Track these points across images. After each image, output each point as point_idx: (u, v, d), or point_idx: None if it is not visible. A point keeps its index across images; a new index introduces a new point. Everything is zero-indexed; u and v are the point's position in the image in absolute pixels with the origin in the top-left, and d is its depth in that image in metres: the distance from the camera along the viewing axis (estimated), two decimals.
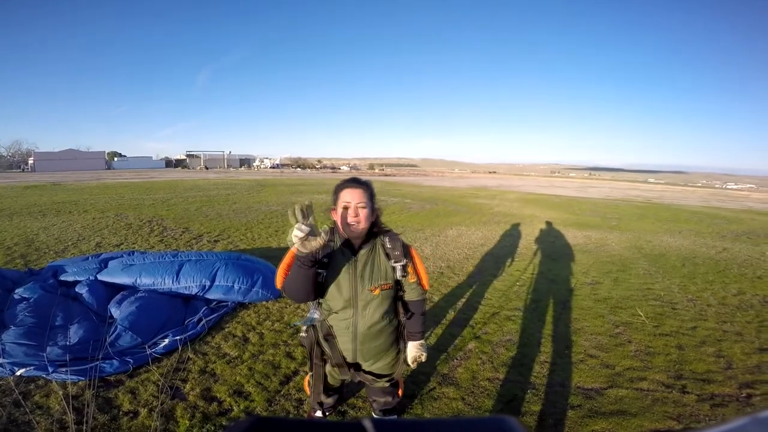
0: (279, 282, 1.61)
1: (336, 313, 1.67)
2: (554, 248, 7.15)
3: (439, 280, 4.90)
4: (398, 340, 1.84)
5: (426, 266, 5.33)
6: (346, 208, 1.55)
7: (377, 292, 1.63)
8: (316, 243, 1.37)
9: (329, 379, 1.87)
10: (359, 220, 1.56)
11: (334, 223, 1.66)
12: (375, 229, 1.67)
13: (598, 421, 2.34)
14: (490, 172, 61.18)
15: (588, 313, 4.00)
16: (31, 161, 31.76)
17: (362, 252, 1.63)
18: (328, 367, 1.83)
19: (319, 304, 1.72)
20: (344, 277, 1.61)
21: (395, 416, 2.16)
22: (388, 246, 1.66)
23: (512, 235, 8.19)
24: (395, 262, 1.64)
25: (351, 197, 1.56)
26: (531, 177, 49.30)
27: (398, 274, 1.65)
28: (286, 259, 1.60)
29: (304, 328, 1.81)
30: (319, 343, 1.77)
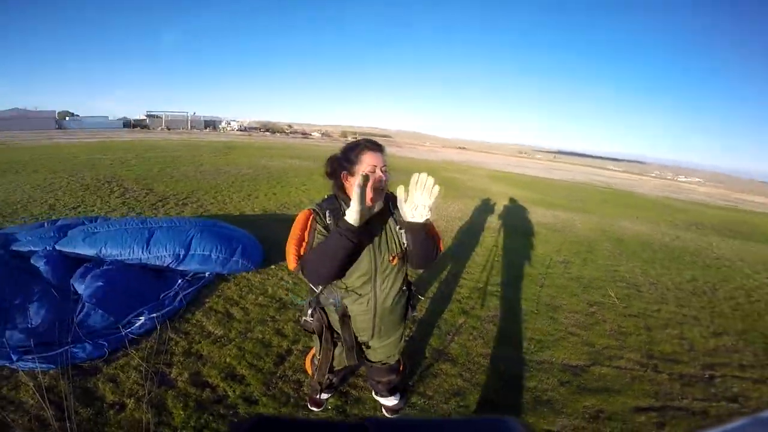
0: (293, 260, 1.42)
1: (354, 290, 1.55)
2: (526, 225, 7.39)
3: None
4: (406, 313, 1.76)
5: None
6: (372, 172, 1.40)
7: (395, 261, 1.54)
8: (377, 207, 1.38)
9: (335, 362, 1.77)
10: (386, 185, 1.44)
11: (337, 189, 1.51)
12: None
13: (587, 398, 2.46)
14: (459, 148, 61.62)
15: (564, 291, 4.17)
16: None
17: (374, 220, 1.48)
18: (337, 350, 1.72)
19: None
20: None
21: (399, 396, 2.14)
22: (394, 211, 1.53)
23: (485, 210, 8.36)
24: (402, 228, 1.51)
25: (376, 160, 1.42)
26: (498, 155, 50.25)
27: (405, 239, 1.52)
28: (296, 233, 1.44)
29: (309, 311, 1.66)
30: (329, 326, 1.66)
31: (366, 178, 1.23)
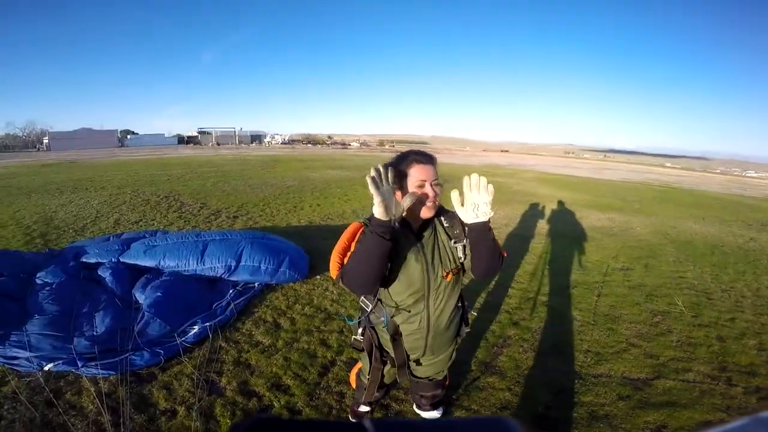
0: (335, 269, 1.41)
1: (405, 308, 1.49)
2: (579, 230, 6.96)
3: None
4: (459, 329, 1.68)
5: None
6: (420, 187, 1.36)
7: (450, 277, 1.47)
8: (407, 202, 1.28)
9: (384, 378, 1.73)
10: (438, 199, 1.39)
11: None
12: None
13: (649, 412, 2.27)
14: (501, 151, 59.85)
15: (624, 300, 3.86)
16: (46, 141, 31.68)
17: (425, 235, 1.44)
18: (386, 368, 1.68)
19: (379, 301, 1.53)
20: (414, 266, 1.42)
21: (442, 410, 2.07)
22: (447, 225, 1.47)
23: (534, 215, 7.99)
24: (456, 242, 1.45)
25: (426, 174, 1.37)
26: (544, 156, 48.27)
27: (459, 253, 1.46)
28: (342, 243, 1.43)
29: (360, 330, 1.64)
30: (379, 346, 1.62)
31: (378, 171, 1.21)
